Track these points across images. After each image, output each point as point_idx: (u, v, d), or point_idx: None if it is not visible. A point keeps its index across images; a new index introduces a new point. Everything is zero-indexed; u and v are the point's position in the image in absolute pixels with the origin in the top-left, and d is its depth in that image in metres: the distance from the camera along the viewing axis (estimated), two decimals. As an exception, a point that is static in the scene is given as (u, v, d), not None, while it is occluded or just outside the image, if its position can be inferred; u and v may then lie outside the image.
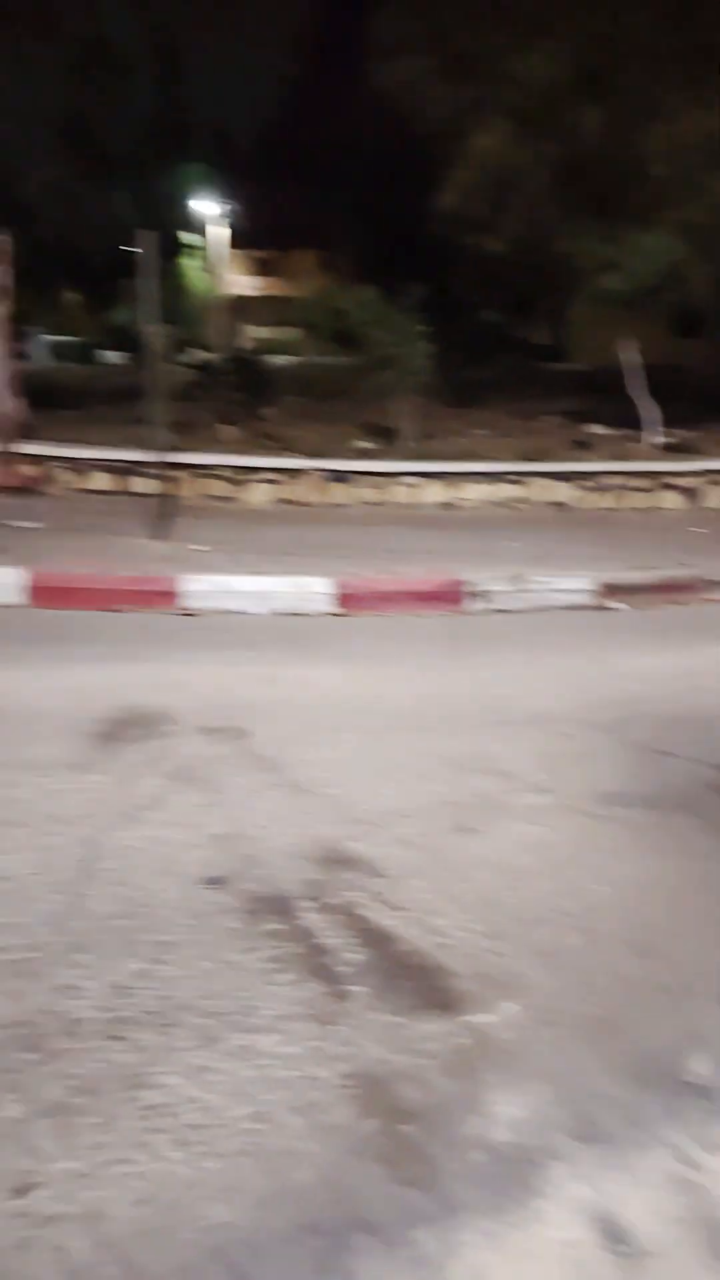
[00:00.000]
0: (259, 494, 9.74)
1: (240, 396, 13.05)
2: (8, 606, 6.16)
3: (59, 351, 27.17)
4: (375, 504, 9.85)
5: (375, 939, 2.71)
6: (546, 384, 17.85)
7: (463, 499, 10.03)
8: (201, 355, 17.25)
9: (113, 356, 25.45)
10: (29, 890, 2.92)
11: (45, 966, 2.56)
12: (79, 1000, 2.44)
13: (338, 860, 3.12)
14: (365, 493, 9.84)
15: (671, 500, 10.33)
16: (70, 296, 15.96)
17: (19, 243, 10.15)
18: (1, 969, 2.55)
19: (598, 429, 12.84)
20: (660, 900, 2.96)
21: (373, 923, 2.78)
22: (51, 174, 10.22)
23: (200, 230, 21.86)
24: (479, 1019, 2.40)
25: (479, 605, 6.50)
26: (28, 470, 9.41)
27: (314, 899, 2.89)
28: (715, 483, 10.43)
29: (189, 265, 22.66)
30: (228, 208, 19.64)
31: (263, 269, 36.14)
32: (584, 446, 11.95)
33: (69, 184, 10.39)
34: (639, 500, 10.27)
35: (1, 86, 9.96)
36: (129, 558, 6.91)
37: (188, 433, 10.68)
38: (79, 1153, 1.98)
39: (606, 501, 10.21)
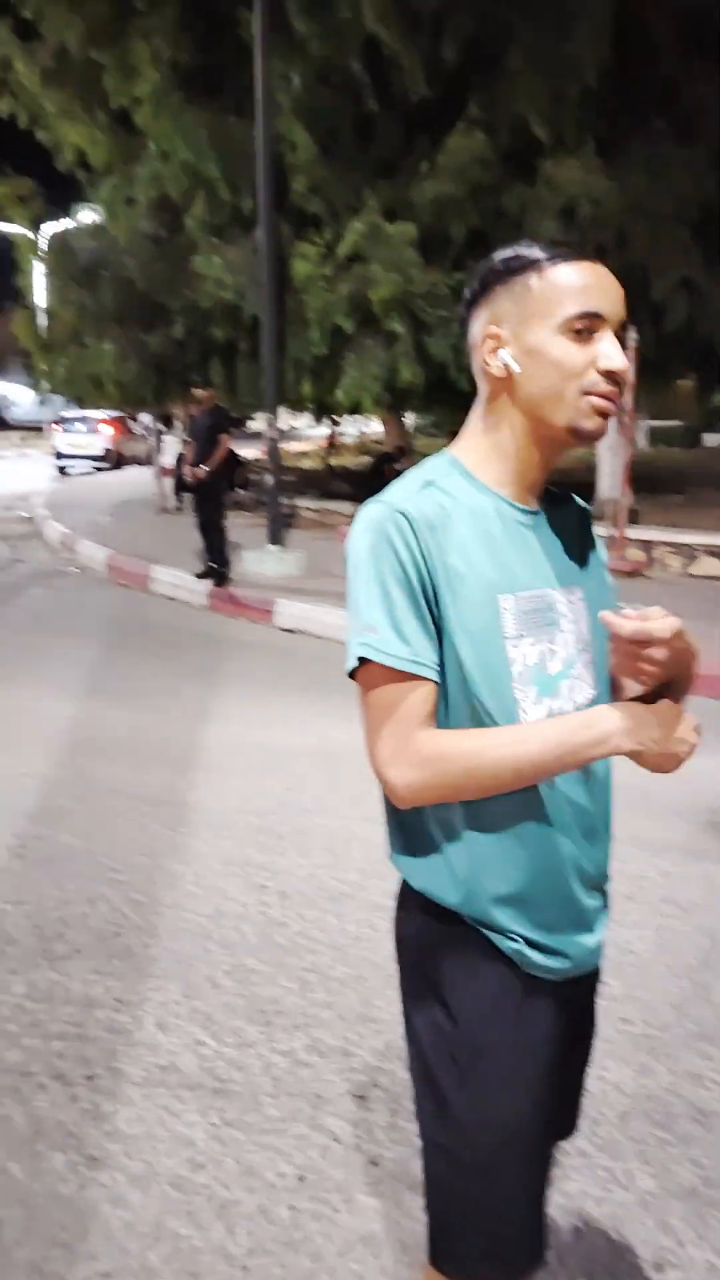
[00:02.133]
0: None
1: None
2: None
3: (659, 435, 27.74)
4: None
5: None
6: None
7: None
8: None
9: (715, 440, 25.31)
10: (651, 969, 3.00)
11: (671, 1049, 2.62)
12: (707, 1091, 2.46)
13: None
14: None
15: None
16: (681, 383, 16.26)
17: (644, 337, 10.64)
18: (629, 1041, 2.66)
19: None
20: None
21: None
22: (683, 271, 10.56)
23: None
24: None
25: None
26: (634, 555, 9.72)
27: None
28: None
29: None
30: None
31: None
32: None
33: (697, 279, 10.64)
34: None
35: (641, 191, 10.58)
36: (738, 645, 6.79)
37: None
38: (715, 1244, 2.00)
39: None
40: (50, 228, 15.45)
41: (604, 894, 1.36)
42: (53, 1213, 2.06)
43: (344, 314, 11.50)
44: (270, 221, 9.79)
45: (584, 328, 1.20)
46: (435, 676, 1.20)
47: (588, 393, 1.20)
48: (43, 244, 15.08)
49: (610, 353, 1.20)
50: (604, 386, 1.20)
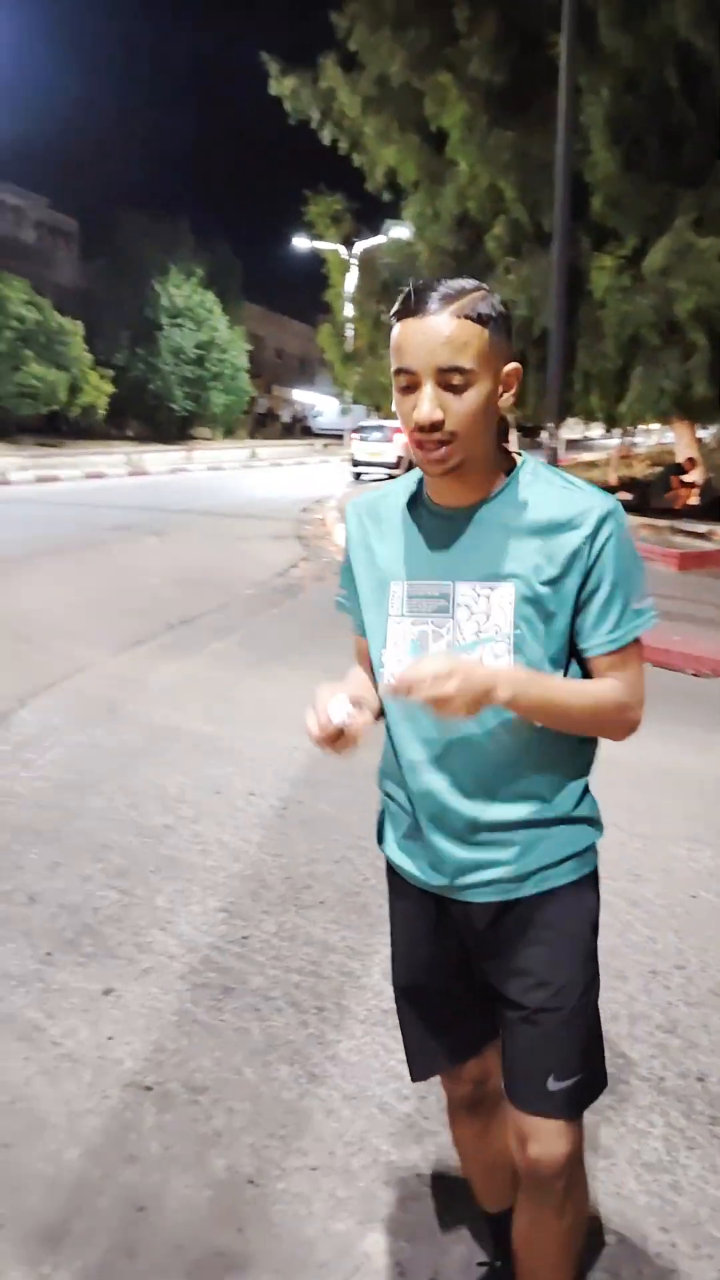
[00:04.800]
0: None
1: None
2: None
3: None
4: None
5: None
6: None
7: None
8: None
9: None
10: None
11: None
12: None
13: None
14: None
15: None
16: None
17: None
18: None
19: None
20: None
21: None
22: None
23: None
24: None
25: None
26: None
27: None
28: None
29: None
30: None
31: None
32: None
33: None
34: None
35: None
36: None
37: None
38: None
39: None
40: (360, 245, 16.31)
41: (489, 845, 1.51)
42: (275, 1112, 2.37)
43: (648, 325, 11.37)
44: (566, 235, 9.90)
45: (404, 384, 1.37)
46: (357, 620, 1.61)
47: (414, 442, 1.39)
48: (351, 259, 15.99)
49: (417, 406, 1.35)
50: (417, 435, 1.37)
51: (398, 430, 26.56)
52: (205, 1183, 2.15)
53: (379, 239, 16.49)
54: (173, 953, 3.05)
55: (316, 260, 20.98)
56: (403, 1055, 2.59)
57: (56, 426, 34.93)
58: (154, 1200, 2.09)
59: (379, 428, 26.64)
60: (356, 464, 26.54)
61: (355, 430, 27.68)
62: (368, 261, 15.41)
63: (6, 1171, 2.16)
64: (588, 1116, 1.62)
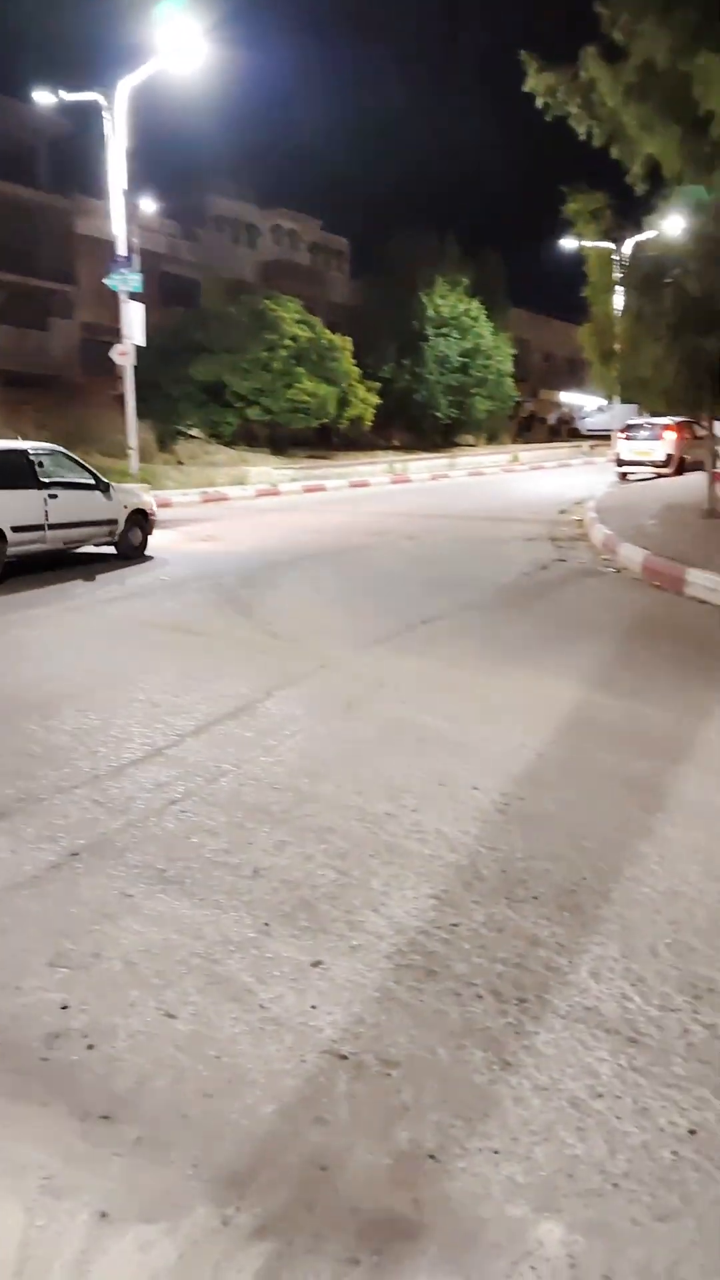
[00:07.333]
0: None
1: None
2: None
3: None
4: None
5: None
6: None
7: None
8: None
9: None
10: None
11: None
12: None
13: None
14: None
15: None
16: None
17: None
18: None
19: None
20: None
21: None
22: None
23: None
24: None
25: None
26: None
27: None
28: None
29: None
30: None
31: None
32: None
33: None
34: None
35: None
36: None
37: None
38: None
39: None
40: (630, 240, 15.89)
41: None
42: (464, 1094, 2.38)
43: None
44: None
45: None
46: None
47: None
48: (616, 256, 15.61)
49: None
50: None
51: (667, 428, 25.75)
52: (387, 1151, 2.19)
53: (649, 233, 16.01)
54: (382, 933, 3.13)
55: (582, 259, 20.68)
56: (601, 1053, 2.56)
57: (326, 439, 36.34)
58: (337, 1161, 2.16)
59: (647, 426, 25.79)
60: (622, 464, 25.88)
61: (623, 429, 26.96)
62: (632, 257, 14.99)
63: (207, 1119, 2.31)
64: None
